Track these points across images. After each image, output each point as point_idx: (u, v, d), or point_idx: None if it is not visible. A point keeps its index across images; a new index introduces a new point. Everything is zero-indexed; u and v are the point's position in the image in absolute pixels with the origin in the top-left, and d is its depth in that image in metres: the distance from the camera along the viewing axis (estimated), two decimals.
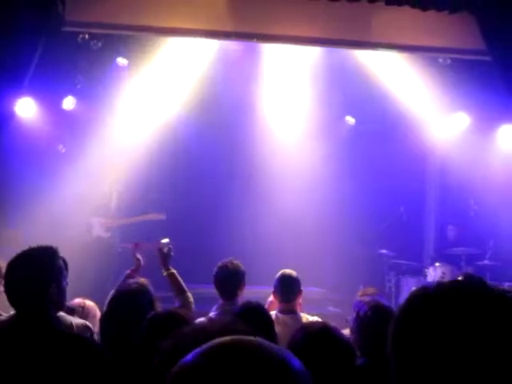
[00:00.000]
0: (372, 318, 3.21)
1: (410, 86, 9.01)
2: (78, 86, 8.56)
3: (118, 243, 8.83)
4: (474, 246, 8.84)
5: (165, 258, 4.56)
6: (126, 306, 3.12)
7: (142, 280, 4.04)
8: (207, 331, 1.11)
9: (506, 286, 7.45)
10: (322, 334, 2.48)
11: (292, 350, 2.47)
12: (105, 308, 3.33)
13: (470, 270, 8.50)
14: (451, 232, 9.39)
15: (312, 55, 8.83)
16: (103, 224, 8.74)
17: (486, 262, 8.60)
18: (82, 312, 4.05)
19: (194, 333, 1.16)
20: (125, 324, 2.97)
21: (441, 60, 8.30)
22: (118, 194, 8.94)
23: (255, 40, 7.54)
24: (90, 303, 4.25)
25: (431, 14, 6.57)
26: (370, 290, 4.52)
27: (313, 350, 2.37)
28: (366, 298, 3.63)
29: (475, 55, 7.25)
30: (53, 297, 3.01)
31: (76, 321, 3.41)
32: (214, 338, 0.87)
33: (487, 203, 9.11)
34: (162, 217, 8.90)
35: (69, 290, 3.57)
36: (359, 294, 4.57)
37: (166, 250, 4.59)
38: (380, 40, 7.09)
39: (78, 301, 4.44)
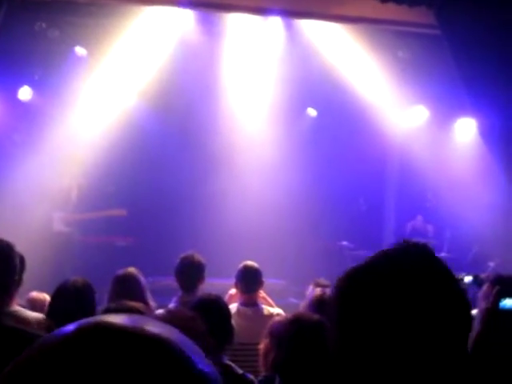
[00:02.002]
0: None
1: (371, 79, 9.13)
2: (36, 77, 8.36)
3: (77, 237, 8.70)
4: (433, 238, 9.00)
5: None
6: (68, 301, 3.05)
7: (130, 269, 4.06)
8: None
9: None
10: (317, 326, 2.47)
11: (284, 343, 2.43)
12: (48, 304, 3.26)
13: None
14: (419, 223, 9.60)
15: (274, 43, 8.89)
16: (64, 219, 8.59)
17: (443, 253, 8.76)
18: (43, 306, 3.98)
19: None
20: (67, 319, 2.90)
21: (400, 54, 8.41)
22: (78, 187, 8.79)
23: (214, 9, 7.99)
24: (48, 297, 4.18)
25: None
26: (323, 282, 4.51)
27: (307, 343, 2.39)
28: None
29: (426, 28, 7.51)
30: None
31: (33, 315, 3.34)
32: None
33: (445, 195, 9.28)
34: (124, 213, 8.83)
35: (26, 283, 3.51)
36: (312, 286, 4.57)
37: None
38: (331, 12, 7.37)
39: (36, 294, 4.37)
